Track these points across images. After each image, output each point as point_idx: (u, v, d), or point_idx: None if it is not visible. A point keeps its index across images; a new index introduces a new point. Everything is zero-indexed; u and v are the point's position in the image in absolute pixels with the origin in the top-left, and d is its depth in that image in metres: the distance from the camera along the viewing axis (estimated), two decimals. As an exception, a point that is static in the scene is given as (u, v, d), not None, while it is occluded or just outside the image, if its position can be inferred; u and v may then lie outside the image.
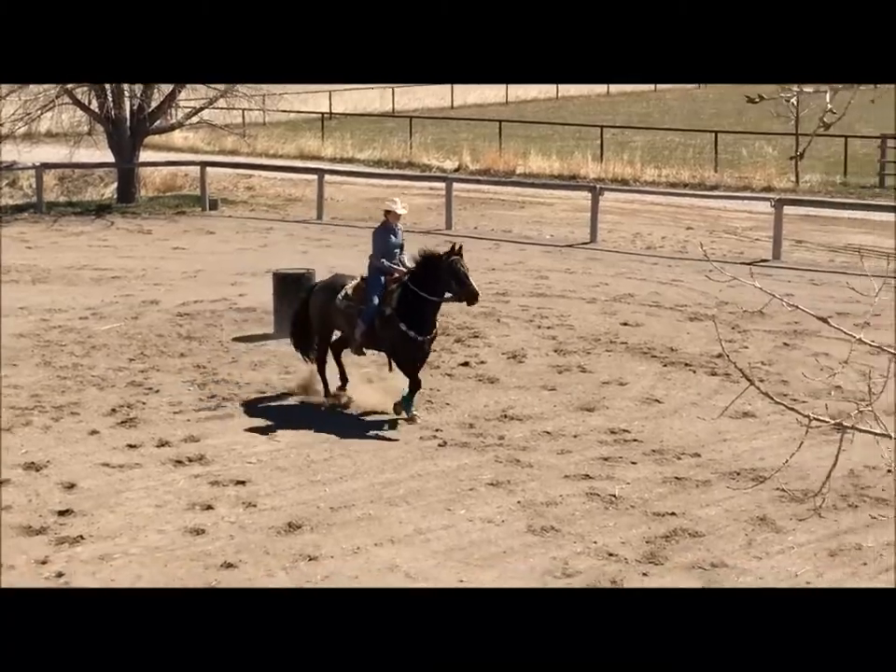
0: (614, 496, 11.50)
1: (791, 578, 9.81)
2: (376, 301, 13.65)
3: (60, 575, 9.81)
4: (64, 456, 12.49)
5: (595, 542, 10.50)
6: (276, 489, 11.67)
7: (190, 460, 12.37)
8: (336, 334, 14.43)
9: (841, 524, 10.88)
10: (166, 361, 16.00)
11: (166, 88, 30.18)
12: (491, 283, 20.44)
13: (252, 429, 13.33)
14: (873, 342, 6.01)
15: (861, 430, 5.79)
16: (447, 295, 13.54)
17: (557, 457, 12.53)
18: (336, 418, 13.78)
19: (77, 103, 30.31)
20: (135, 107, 30.30)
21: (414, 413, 13.61)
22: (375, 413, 13.87)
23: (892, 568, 9.94)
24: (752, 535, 10.66)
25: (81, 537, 10.55)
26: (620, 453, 12.67)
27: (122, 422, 13.52)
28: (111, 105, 29.82)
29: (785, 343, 16.87)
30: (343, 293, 14.01)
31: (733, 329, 17.58)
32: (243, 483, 11.81)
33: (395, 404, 13.69)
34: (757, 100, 6.16)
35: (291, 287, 16.95)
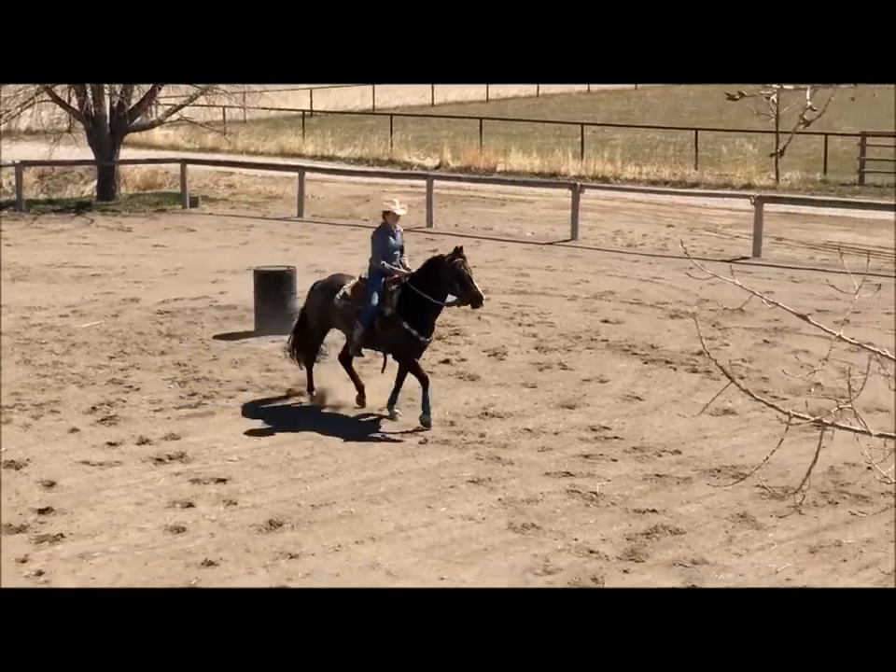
0: (595, 493, 11.52)
1: (771, 574, 9.84)
2: (375, 301, 13.50)
3: (40, 573, 9.78)
4: (44, 454, 12.45)
5: (576, 539, 10.51)
6: (257, 487, 11.66)
7: (171, 458, 12.35)
8: (336, 333, 14.33)
9: (821, 520, 10.92)
10: (146, 359, 15.96)
11: (146, 85, 30.07)
12: (472, 280, 20.41)
13: (233, 427, 13.31)
14: (852, 339, 6.03)
15: (841, 427, 5.81)
16: (450, 298, 13.41)
17: (538, 455, 12.54)
18: (317, 416, 13.76)
19: (57, 100, 30.21)
20: (115, 105, 30.19)
21: (396, 410, 13.59)
22: (358, 410, 13.87)
23: (872, 565, 9.98)
24: (733, 532, 10.68)
25: (61, 535, 10.52)
26: (600, 450, 12.68)
27: (102, 420, 13.49)
28: (91, 102, 29.75)
29: (765, 341, 16.91)
30: (341, 293, 13.87)
31: (713, 326, 17.61)
32: (223, 480, 11.79)
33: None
34: (737, 97, 6.19)
35: (272, 285, 16.91)
